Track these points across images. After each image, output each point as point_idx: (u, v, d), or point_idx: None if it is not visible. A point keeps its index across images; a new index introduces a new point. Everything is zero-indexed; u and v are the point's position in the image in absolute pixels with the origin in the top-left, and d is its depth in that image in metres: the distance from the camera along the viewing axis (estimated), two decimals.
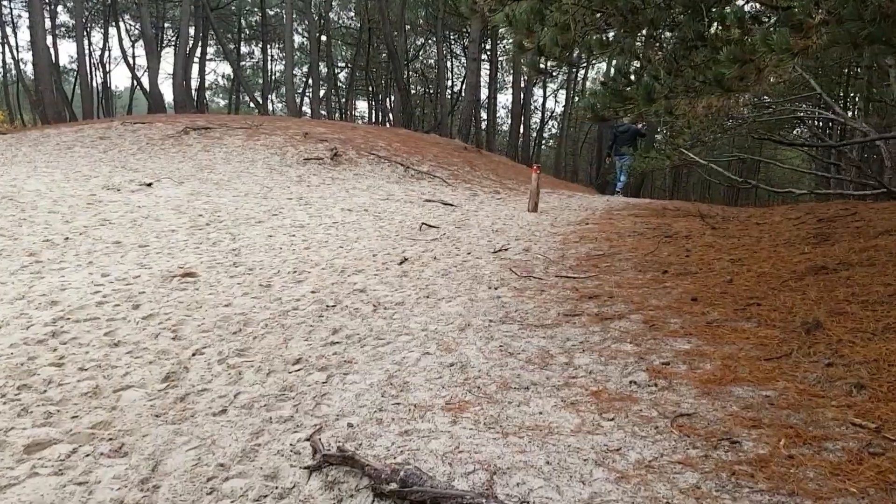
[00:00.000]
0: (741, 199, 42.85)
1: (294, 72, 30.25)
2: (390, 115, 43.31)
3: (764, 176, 24.59)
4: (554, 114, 50.03)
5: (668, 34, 4.87)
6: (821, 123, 15.49)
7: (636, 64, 4.92)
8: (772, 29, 3.61)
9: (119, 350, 3.67)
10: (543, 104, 45.64)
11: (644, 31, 4.86)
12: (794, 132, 14.25)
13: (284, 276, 5.48)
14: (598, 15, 4.43)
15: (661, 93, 4.20)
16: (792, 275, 4.88)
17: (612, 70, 5.68)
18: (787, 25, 3.29)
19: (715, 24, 3.89)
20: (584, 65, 39.46)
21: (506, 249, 6.88)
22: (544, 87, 42.82)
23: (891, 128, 10.66)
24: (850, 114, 12.26)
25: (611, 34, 4.66)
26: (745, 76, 3.71)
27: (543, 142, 49.10)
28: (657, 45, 4.91)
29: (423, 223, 8.07)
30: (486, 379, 3.25)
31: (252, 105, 37.90)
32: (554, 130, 50.72)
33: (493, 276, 5.66)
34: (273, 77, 43.06)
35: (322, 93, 36.23)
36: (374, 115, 43.13)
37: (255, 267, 5.69)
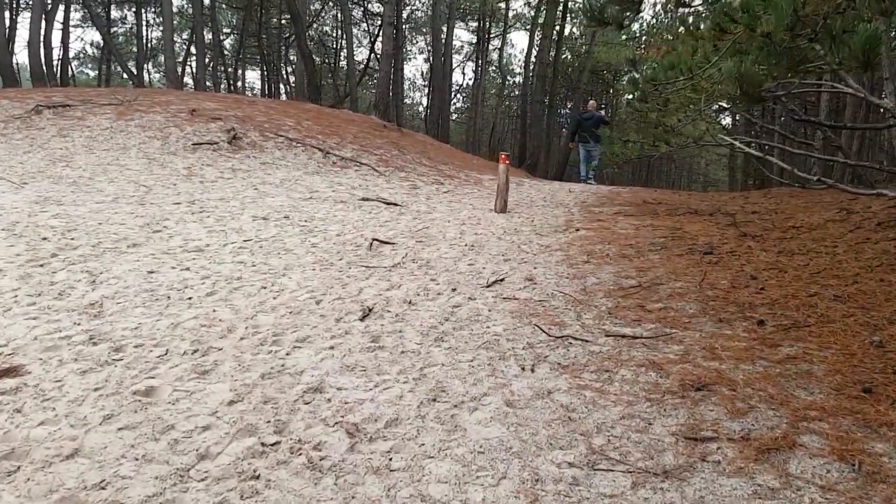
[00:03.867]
0: (654, 181, 42.93)
1: (173, 38, 26.93)
2: (285, 87, 40.31)
3: (741, 164, 23.84)
4: (462, 86, 48.48)
5: None
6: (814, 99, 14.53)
7: None
8: None
9: None
10: (450, 76, 43.81)
11: None
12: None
13: (177, 362, 3.39)
14: None
15: None
16: None
17: None
18: None
19: None
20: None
21: (501, 280, 5.03)
22: (450, 59, 40.97)
23: None
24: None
25: None
26: None
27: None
28: None
29: (373, 239, 6.07)
30: None
31: (126, 76, 33.98)
32: (458, 104, 49.24)
33: (512, 339, 3.81)
34: (149, 45, 38.99)
35: (206, 62, 32.89)
36: (267, 88, 39.90)
37: (126, 345, 3.56)
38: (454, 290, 4.81)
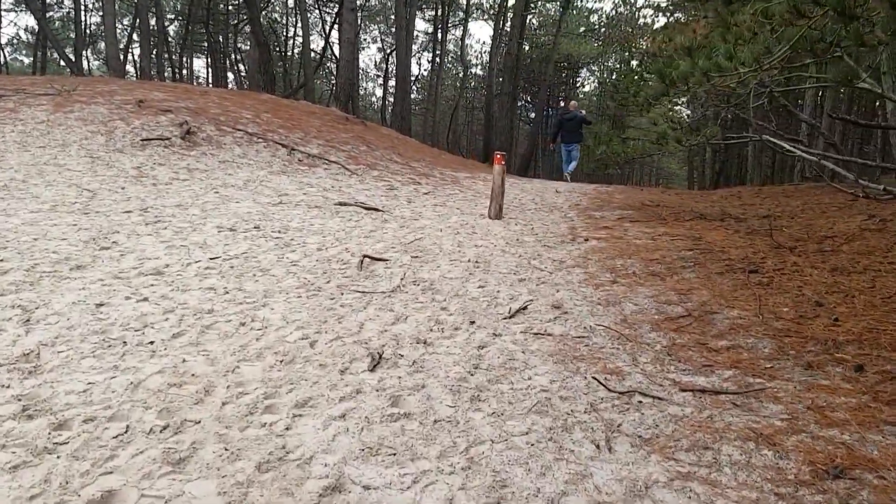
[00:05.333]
0: (610, 176, 42.74)
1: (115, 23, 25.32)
2: (235, 76, 38.78)
3: (710, 160, 23.46)
4: (417, 77, 47.55)
5: None
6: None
7: None
8: None
9: None
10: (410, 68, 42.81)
11: None
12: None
13: (142, 446, 2.57)
14: None
15: None
16: None
17: None
18: None
19: None
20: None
21: (524, 309, 4.29)
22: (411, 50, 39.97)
23: None
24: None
25: None
26: None
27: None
28: None
29: (364, 255, 5.26)
30: None
31: (63, 64, 32.10)
32: (412, 95, 48.14)
33: (566, 396, 3.08)
34: (88, 30, 36.98)
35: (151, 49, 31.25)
36: (214, 77, 38.28)
37: (72, 419, 2.71)
38: (472, 322, 4.06)
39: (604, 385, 3.16)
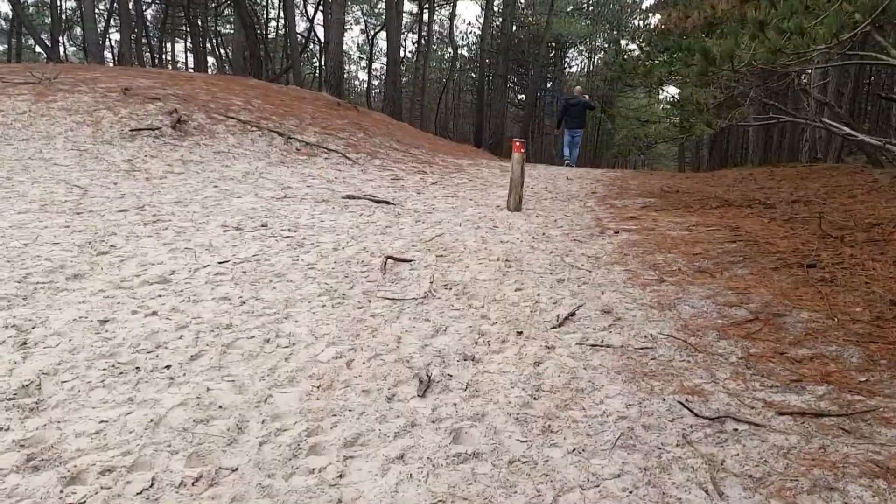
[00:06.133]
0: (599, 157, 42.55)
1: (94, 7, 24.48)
2: (217, 61, 37.94)
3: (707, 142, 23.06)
4: (404, 59, 46.76)
5: None
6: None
7: None
8: None
9: None
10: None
11: None
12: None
13: None
14: None
15: None
16: None
17: None
18: None
19: None
20: None
21: (572, 316, 3.92)
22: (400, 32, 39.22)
23: None
24: None
25: None
26: None
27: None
28: None
29: (387, 256, 4.86)
30: None
31: (39, 50, 31.19)
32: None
33: (650, 424, 2.72)
34: (64, 15, 35.97)
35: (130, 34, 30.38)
36: (195, 62, 37.37)
37: (86, 472, 2.33)
38: (519, 333, 3.68)
39: (689, 409, 2.80)
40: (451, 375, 3.15)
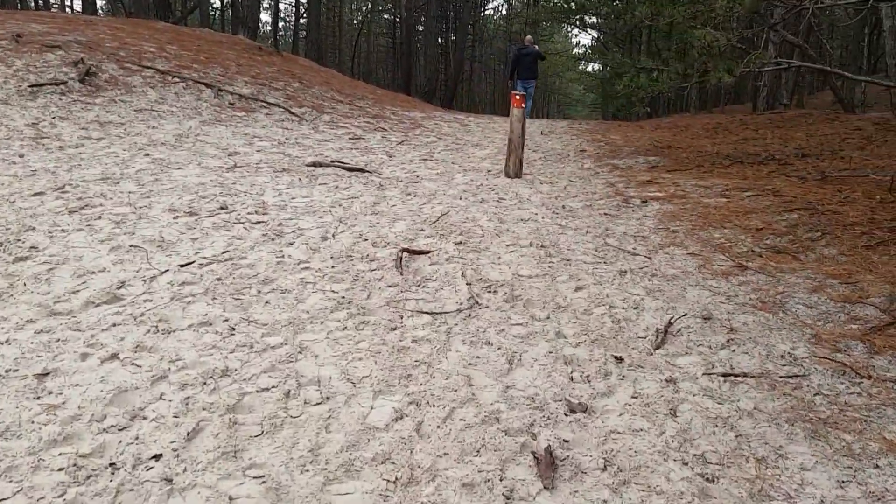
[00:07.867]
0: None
1: None
2: (108, 3, 34.64)
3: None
4: None
5: None
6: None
7: None
8: None
9: None
10: None
11: None
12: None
13: None
14: None
15: None
16: None
17: None
18: None
19: None
20: None
21: (670, 327, 3.05)
22: None
23: None
24: None
25: None
26: None
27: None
28: None
29: (402, 249, 3.84)
30: None
31: None
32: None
33: None
34: None
35: None
36: (81, 4, 33.87)
37: None
38: (619, 359, 2.79)
39: None
40: (566, 441, 2.24)
